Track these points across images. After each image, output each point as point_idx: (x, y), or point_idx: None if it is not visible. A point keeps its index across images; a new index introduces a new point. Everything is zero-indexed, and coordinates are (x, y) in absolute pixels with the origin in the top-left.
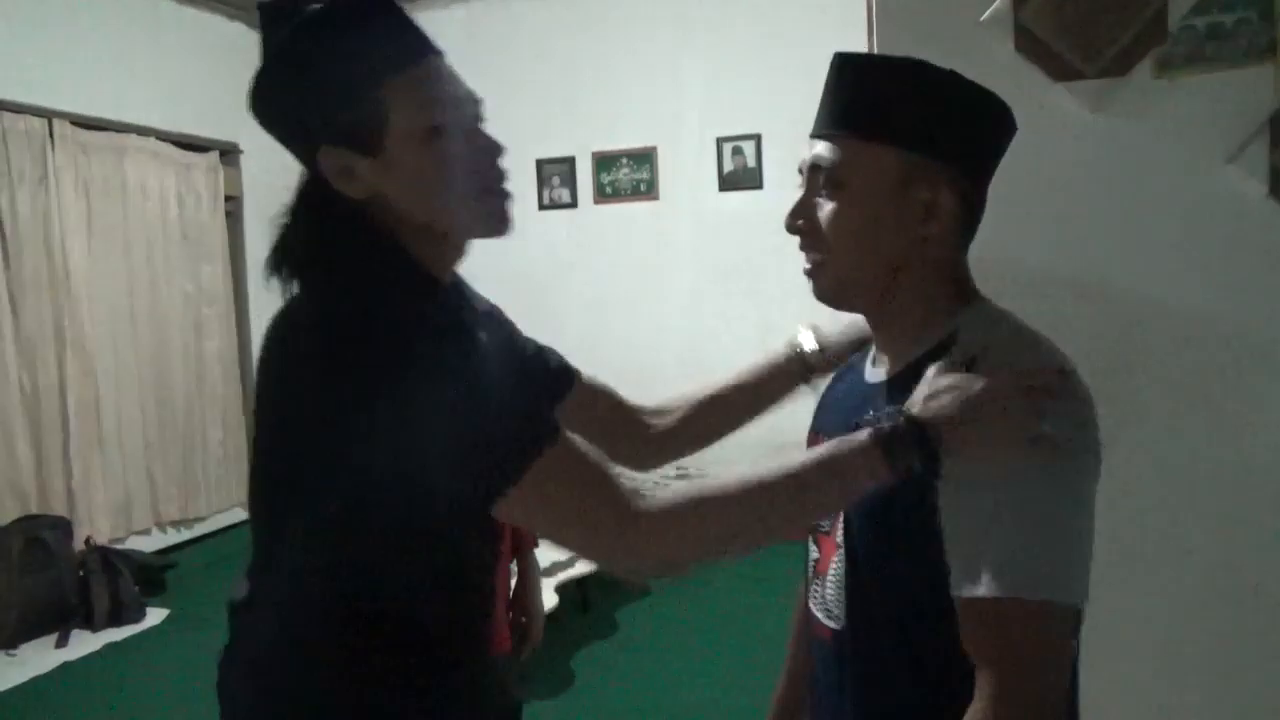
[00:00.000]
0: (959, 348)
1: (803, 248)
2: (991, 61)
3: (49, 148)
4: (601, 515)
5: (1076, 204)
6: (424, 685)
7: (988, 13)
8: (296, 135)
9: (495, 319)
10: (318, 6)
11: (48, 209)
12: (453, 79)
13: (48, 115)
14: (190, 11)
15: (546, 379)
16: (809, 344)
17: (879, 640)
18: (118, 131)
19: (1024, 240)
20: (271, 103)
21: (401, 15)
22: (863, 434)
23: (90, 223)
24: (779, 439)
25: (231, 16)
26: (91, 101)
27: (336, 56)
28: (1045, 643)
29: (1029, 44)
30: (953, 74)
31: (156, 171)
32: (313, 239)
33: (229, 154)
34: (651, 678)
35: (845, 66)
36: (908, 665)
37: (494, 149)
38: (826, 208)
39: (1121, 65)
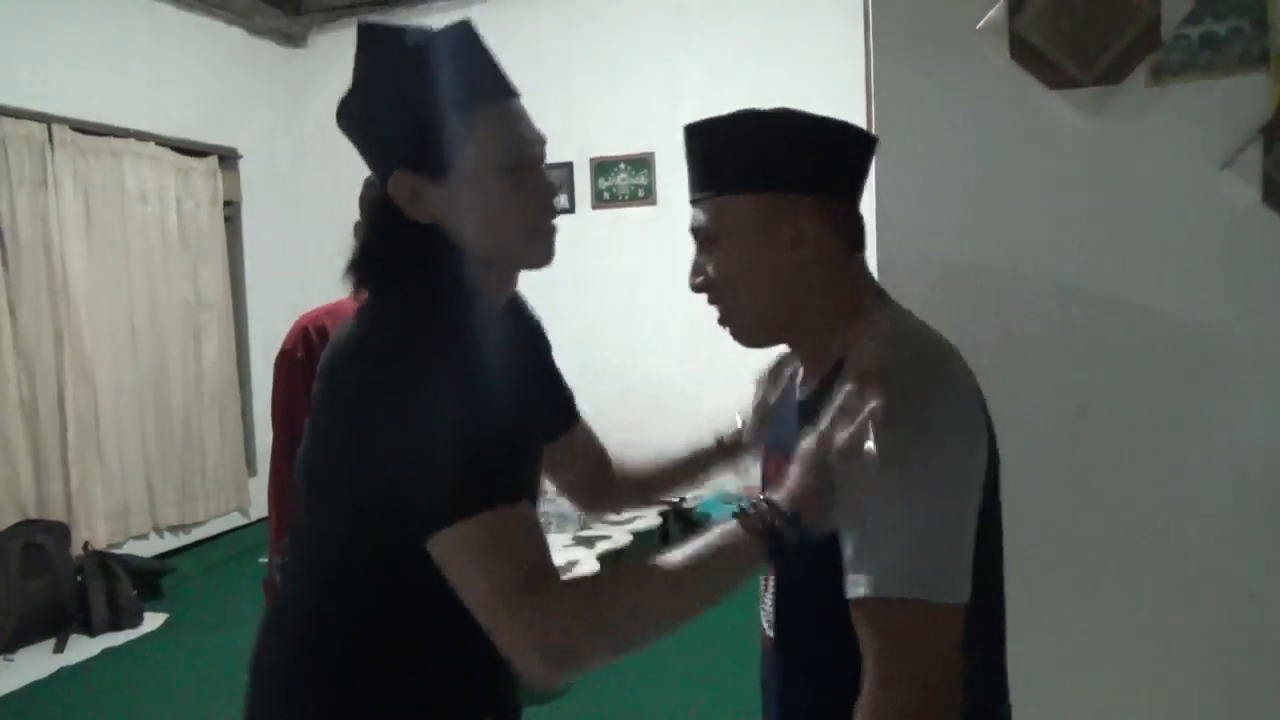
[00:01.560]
0: (847, 367)
1: (710, 303)
2: (987, 69)
3: (48, 152)
4: (510, 586)
5: (1071, 210)
6: (422, 691)
7: (984, 20)
8: (375, 153)
9: (533, 341)
10: (414, 34)
11: (47, 213)
12: (525, 119)
13: (47, 120)
14: (190, 17)
15: (545, 419)
16: (727, 432)
17: (799, 646)
18: (117, 136)
19: (1018, 246)
20: (357, 119)
21: (488, 55)
22: (733, 525)
23: (89, 227)
24: None
25: (231, 22)
26: (91, 106)
27: (423, 87)
28: (918, 638)
29: (1024, 52)
30: (785, 112)
31: (155, 176)
32: (388, 253)
33: (228, 159)
34: (648, 682)
35: (692, 135)
36: (825, 670)
37: (551, 189)
38: (710, 264)
39: (1116, 73)
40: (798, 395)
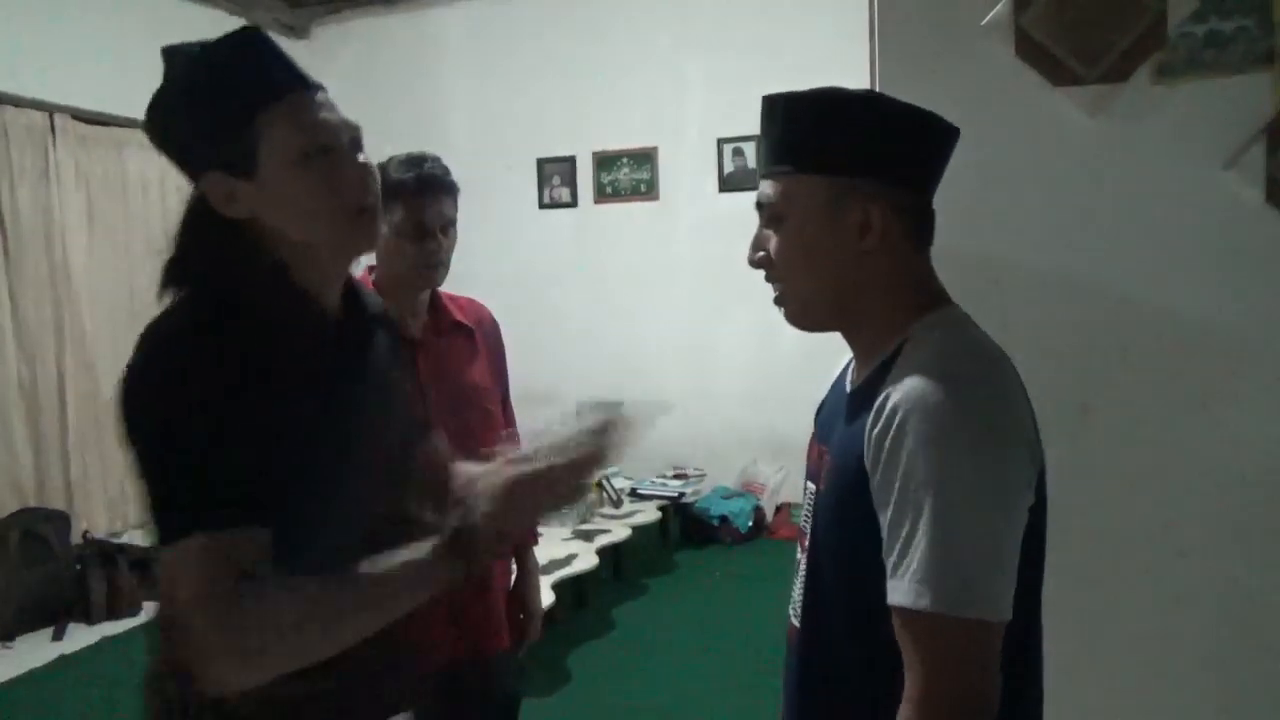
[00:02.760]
0: (895, 367)
1: (766, 279)
2: (992, 66)
3: (50, 142)
4: (211, 593)
5: (1074, 208)
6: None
7: (989, 17)
8: (184, 160)
9: (372, 354)
10: (202, 46)
11: (48, 203)
12: (324, 108)
13: (49, 110)
14: (192, 7)
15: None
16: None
17: (823, 638)
18: (119, 126)
19: (1021, 243)
20: (160, 129)
21: (275, 51)
22: (426, 547)
23: (91, 217)
24: (777, 440)
25: (233, 12)
26: (93, 96)
27: (215, 89)
28: (953, 654)
29: (1029, 49)
30: (869, 95)
31: (157, 166)
32: (195, 253)
33: None
34: (648, 675)
35: (771, 107)
36: (847, 664)
37: (360, 171)
38: (773, 240)
39: (1120, 71)
40: (848, 387)
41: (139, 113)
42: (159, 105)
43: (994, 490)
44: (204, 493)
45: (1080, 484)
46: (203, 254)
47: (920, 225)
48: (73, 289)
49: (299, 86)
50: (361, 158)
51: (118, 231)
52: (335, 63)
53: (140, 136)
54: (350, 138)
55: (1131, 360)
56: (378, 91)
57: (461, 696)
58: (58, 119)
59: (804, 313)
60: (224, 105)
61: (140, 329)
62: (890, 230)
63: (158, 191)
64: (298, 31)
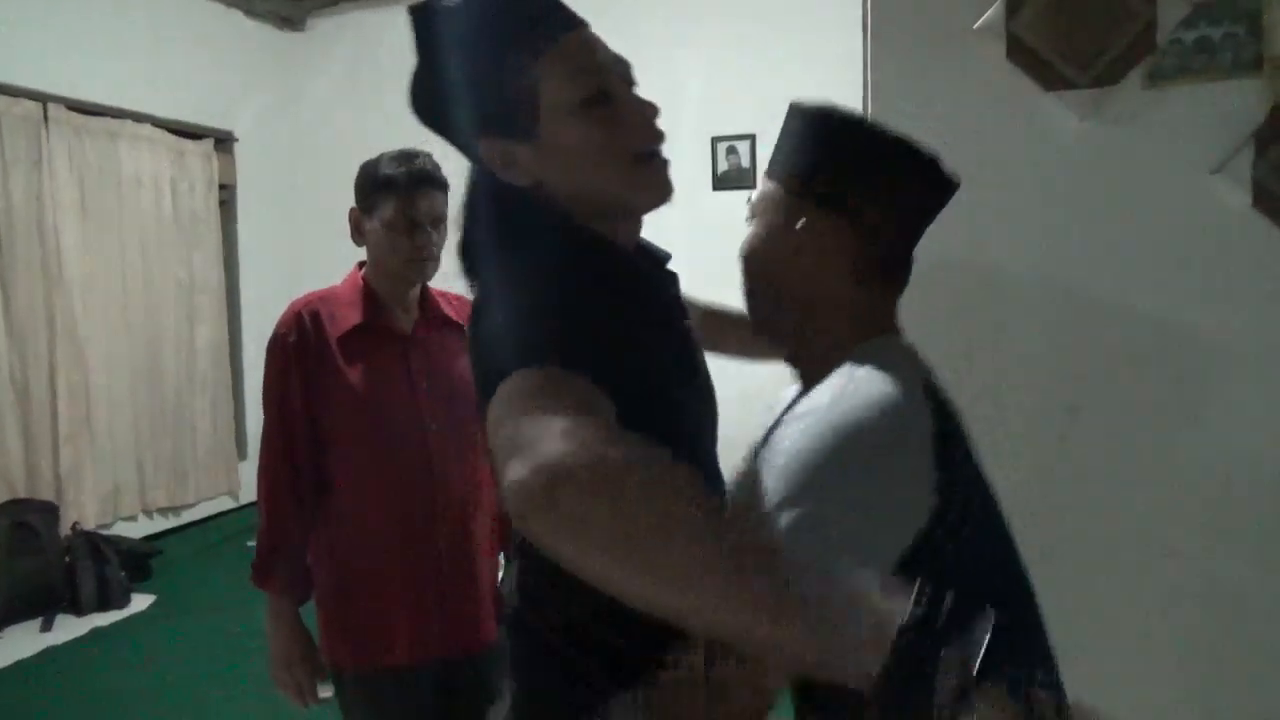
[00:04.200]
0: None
1: None
2: (984, 69)
3: (43, 131)
4: (525, 448)
5: (1065, 211)
6: None
7: (981, 21)
8: (455, 130)
9: (661, 286)
10: (456, 1)
11: (41, 193)
12: (593, 48)
13: (43, 99)
14: None
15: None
16: None
17: None
18: (113, 117)
19: (1011, 245)
20: (427, 101)
21: None
22: (904, 607)
23: (83, 208)
24: None
25: (230, 4)
26: (87, 86)
27: (478, 47)
28: None
29: (1021, 53)
30: (854, 121)
31: (151, 158)
32: (491, 233)
33: (224, 142)
34: None
35: (787, 115)
36: None
37: (644, 112)
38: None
39: (1111, 75)
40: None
41: (134, 104)
42: (423, 76)
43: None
44: (551, 334)
45: (1068, 484)
46: (506, 229)
47: (877, 262)
48: (64, 280)
49: (567, 28)
50: (638, 94)
51: (110, 222)
52: (332, 56)
53: (133, 127)
54: (624, 76)
55: (1120, 362)
56: (374, 85)
57: (452, 690)
58: (51, 108)
59: (748, 309)
60: (494, 63)
61: (132, 323)
62: (831, 259)
63: (151, 183)
64: (294, 24)
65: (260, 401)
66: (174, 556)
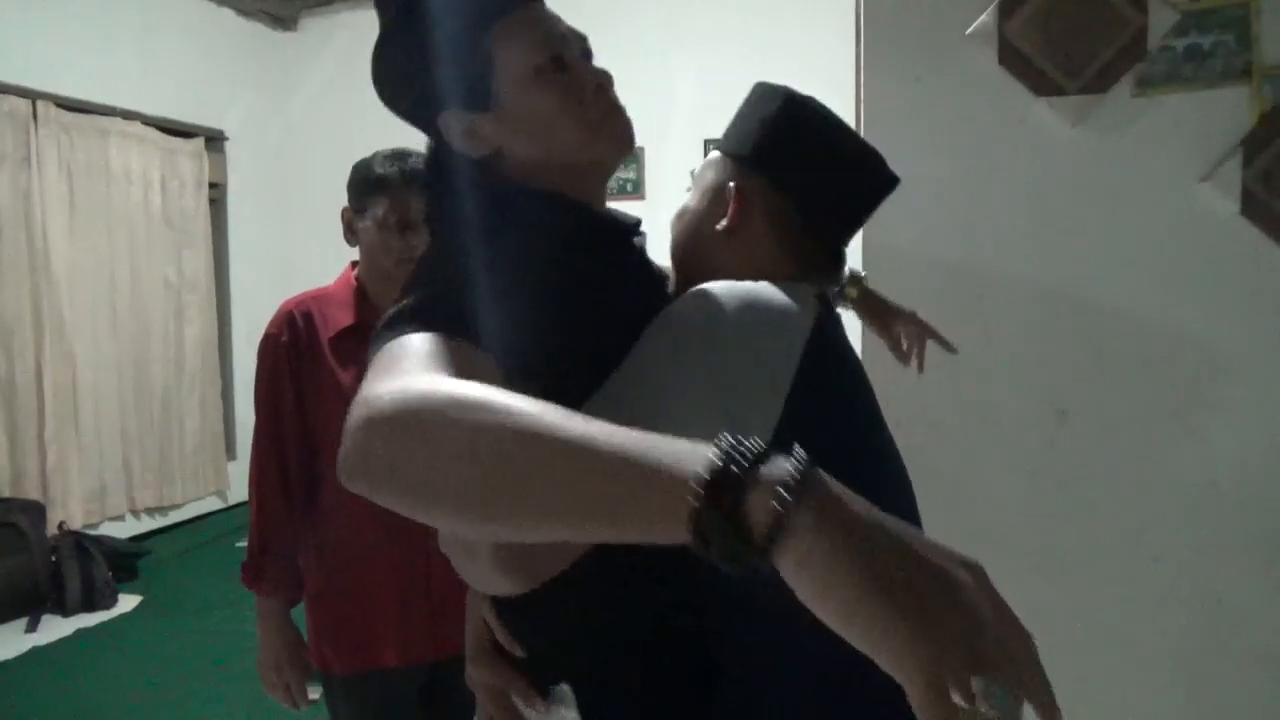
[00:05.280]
0: None
1: None
2: (975, 74)
3: (32, 128)
4: (366, 389)
5: (1054, 216)
6: None
7: (973, 26)
8: (416, 106)
9: (621, 256)
10: None
11: (29, 190)
12: (549, 20)
13: (31, 96)
14: None
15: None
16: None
17: None
18: (103, 114)
19: (1001, 250)
20: (387, 80)
21: None
22: (703, 450)
23: (72, 205)
24: None
25: (221, 3)
26: (77, 83)
27: (435, 22)
28: None
29: (1012, 59)
30: (802, 105)
31: (140, 156)
32: (458, 205)
33: (214, 140)
34: None
35: (748, 94)
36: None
37: (597, 77)
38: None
39: (1101, 82)
40: None
41: (123, 101)
42: (383, 55)
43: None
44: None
45: (1056, 487)
46: (471, 201)
47: (802, 243)
48: (52, 277)
49: (522, 1)
50: (593, 63)
51: (99, 220)
52: (323, 55)
53: (123, 125)
54: (581, 47)
55: (1108, 366)
56: (365, 85)
57: (440, 692)
58: (40, 105)
59: (672, 260)
60: (449, 36)
61: (120, 321)
62: (759, 229)
63: (141, 181)
64: (286, 23)
65: (251, 401)
66: (161, 557)
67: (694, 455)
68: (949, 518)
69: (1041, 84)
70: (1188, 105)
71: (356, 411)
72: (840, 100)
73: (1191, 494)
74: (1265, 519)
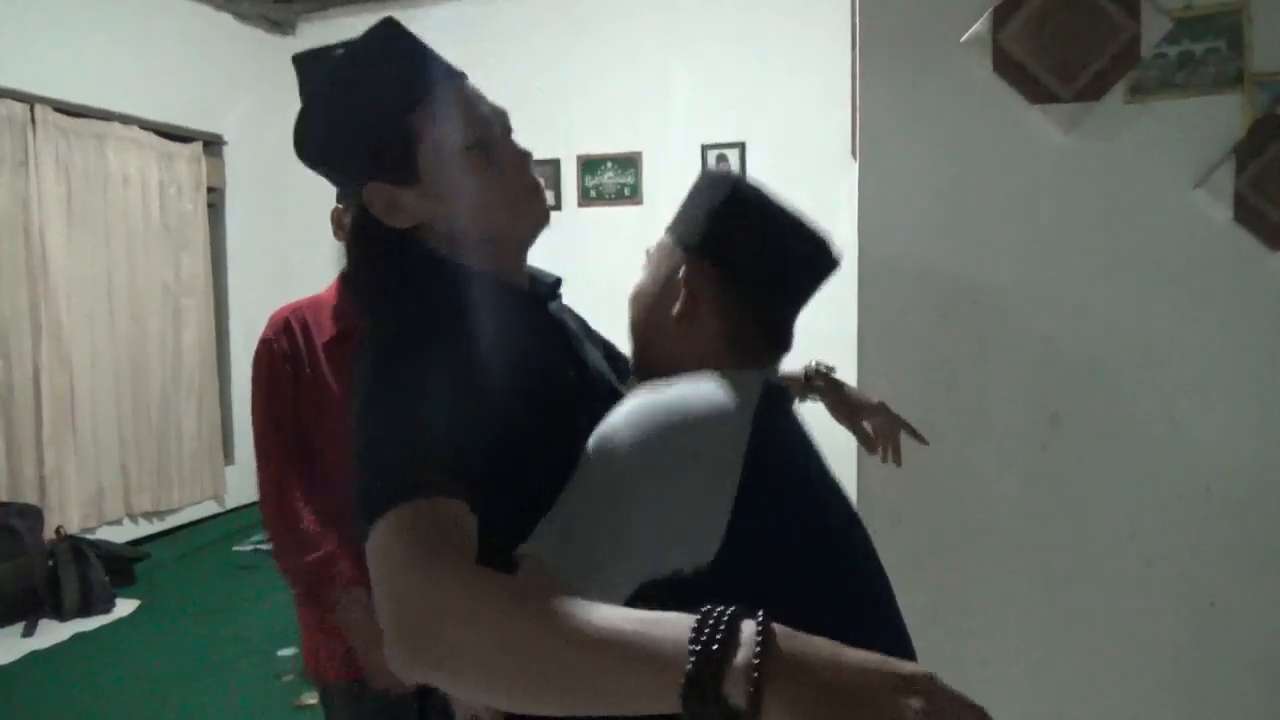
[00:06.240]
0: None
1: None
2: (970, 82)
3: (30, 132)
4: (407, 593)
5: (1047, 222)
6: None
7: (968, 34)
8: (340, 176)
9: (562, 334)
10: (342, 49)
11: (27, 195)
12: (474, 99)
13: (29, 100)
14: (178, 1)
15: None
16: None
17: None
18: (100, 119)
19: (995, 256)
20: (310, 147)
21: (419, 46)
22: (684, 635)
23: (70, 210)
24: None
25: (219, 7)
26: (75, 87)
27: (361, 96)
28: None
29: (1007, 66)
30: (758, 191)
31: (138, 160)
32: (374, 273)
33: (213, 145)
34: None
35: (695, 180)
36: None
37: (521, 155)
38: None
39: (1095, 89)
40: None
41: (121, 105)
42: (306, 122)
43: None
44: (425, 461)
45: (1049, 492)
46: (387, 266)
47: (750, 327)
48: (50, 282)
49: (446, 79)
50: (516, 141)
51: (97, 225)
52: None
53: (121, 129)
54: (502, 125)
55: (1101, 371)
56: None
57: (436, 701)
58: (38, 110)
59: (629, 340)
60: (375, 111)
61: (118, 325)
62: (707, 312)
63: (138, 185)
64: (284, 28)
65: (248, 406)
66: (159, 561)
67: (678, 651)
68: (944, 522)
69: (1036, 91)
70: (1181, 112)
71: (390, 609)
72: (836, 107)
73: (1184, 497)
74: (1258, 522)
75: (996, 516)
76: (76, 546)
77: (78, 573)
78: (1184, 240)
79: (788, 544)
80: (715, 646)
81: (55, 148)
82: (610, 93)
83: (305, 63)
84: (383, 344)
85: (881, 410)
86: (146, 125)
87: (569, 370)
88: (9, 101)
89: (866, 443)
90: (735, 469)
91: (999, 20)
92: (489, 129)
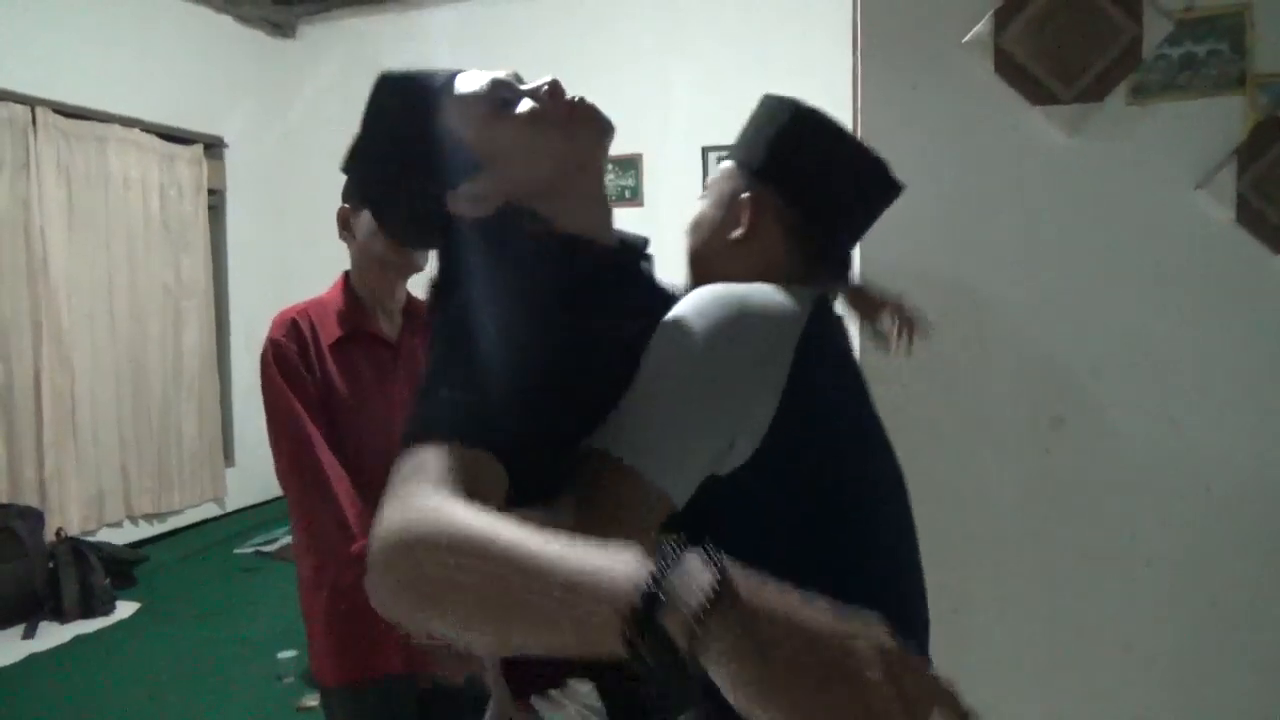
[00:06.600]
0: None
1: None
2: (971, 83)
3: (31, 135)
4: (390, 520)
5: (1049, 224)
6: None
7: (969, 35)
8: (416, 207)
9: (638, 295)
10: (368, 114)
11: (28, 197)
12: (476, 77)
13: (31, 102)
14: (178, 3)
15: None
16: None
17: None
18: (101, 121)
19: (996, 258)
20: (379, 200)
21: (414, 74)
22: (631, 561)
23: (71, 212)
24: None
25: (220, 10)
26: (76, 90)
27: (400, 129)
28: (610, 498)
29: (1008, 68)
30: (810, 115)
31: (139, 162)
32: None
33: (213, 147)
34: None
35: (757, 105)
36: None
37: (548, 85)
38: None
39: (1096, 91)
40: None
41: (122, 107)
42: (365, 173)
43: (710, 372)
44: (457, 404)
45: (1051, 494)
46: (481, 255)
47: (809, 248)
48: (51, 284)
49: (447, 79)
50: (535, 83)
51: (98, 227)
52: (322, 63)
53: (122, 131)
54: (515, 79)
55: (1103, 374)
56: (364, 92)
57: (440, 698)
58: (39, 112)
59: (688, 269)
60: (416, 134)
61: (118, 327)
62: (768, 234)
63: (139, 188)
64: (285, 30)
65: (248, 408)
66: (159, 563)
67: (624, 586)
68: (945, 525)
69: (1037, 93)
70: (1182, 114)
71: (373, 532)
72: (837, 108)
73: (1185, 498)
74: (1258, 523)
75: (998, 520)
76: (77, 548)
77: (78, 575)
78: (1185, 242)
79: (826, 456)
80: (666, 583)
81: (56, 150)
82: (610, 95)
83: (386, 85)
84: (463, 300)
85: (898, 305)
86: (147, 127)
87: (647, 327)
88: (10, 104)
89: (883, 339)
90: (785, 364)
91: (1000, 22)
92: (504, 87)
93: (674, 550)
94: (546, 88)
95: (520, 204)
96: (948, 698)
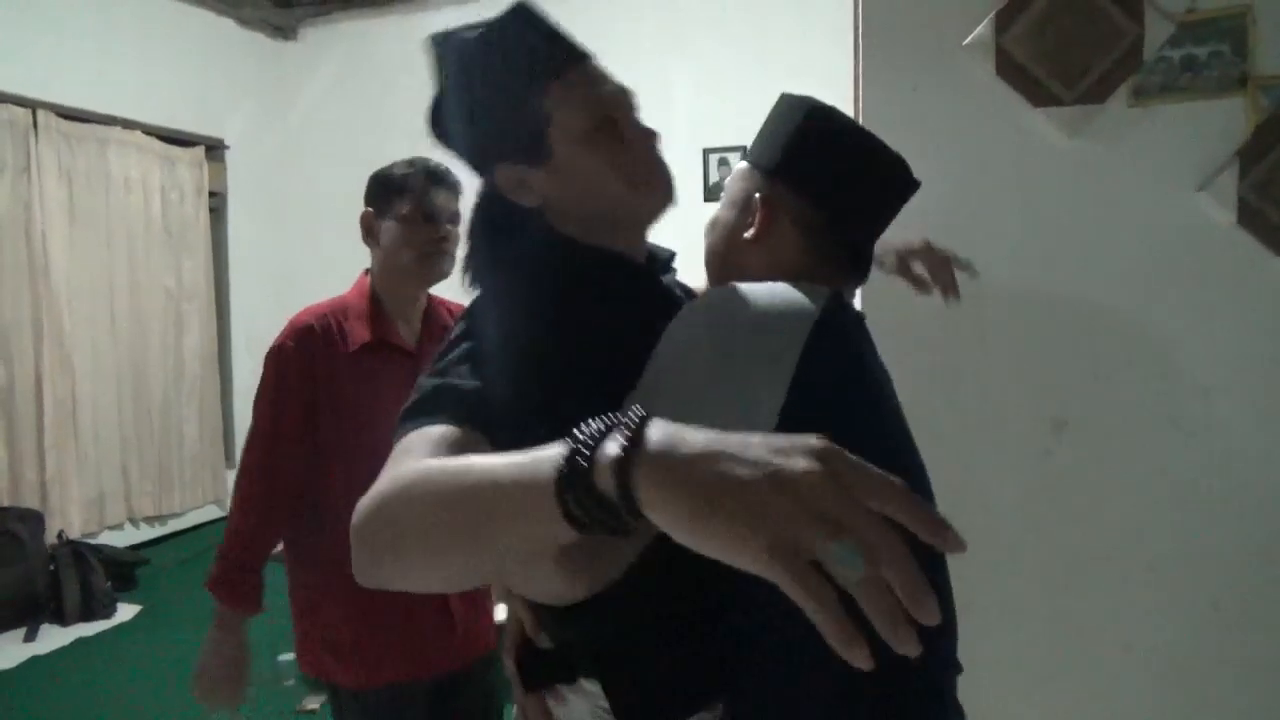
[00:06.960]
0: None
1: None
2: (973, 84)
3: (32, 137)
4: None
5: (1050, 226)
6: None
7: (971, 37)
8: (473, 157)
9: (658, 306)
10: (474, 32)
11: (29, 199)
12: (602, 78)
13: (32, 105)
14: (179, 5)
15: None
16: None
17: None
18: (102, 124)
19: (998, 260)
20: (447, 129)
21: (549, 26)
22: (557, 445)
23: (72, 214)
24: None
25: (221, 12)
26: (77, 93)
27: (494, 81)
28: None
29: (1010, 69)
30: (827, 113)
31: (140, 165)
32: (494, 249)
33: (215, 149)
34: None
35: (774, 105)
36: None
37: (648, 134)
38: None
39: (1098, 93)
40: None
41: (123, 110)
42: (442, 103)
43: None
44: (454, 393)
45: (1053, 496)
46: (507, 247)
47: (827, 247)
48: (52, 286)
49: (575, 59)
50: (642, 120)
51: (99, 229)
52: (324, 64)
53: (123, 134)
54: (629, 104)
55: (1105, 376)
56: (365, 94)
57: (452, 697)
58: (40, 115)
59: (705, 269)
60: (508, 95)
61: (119, 330)
62: (774, 234)
63: (140, 191)
64: (286, 32)
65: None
66: (160, 566)
67: (547, 463)
68: None
69: (1038, 94)
70: (1184, 115)
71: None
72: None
73: (1187, 501)
74: (1261, 525)
75: (999, 521)
76: (78, 551)
77: (79, 577)
78: (1187, 244)
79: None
80: (584, 446)
81: (57, 152)
82: None
83: (440, 44)
84: (488, 305)
85: (927, 248)
86: (148, 130)
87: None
88: (11, 106)
89: (920, 285)
90: (791, 360)
91: (1001, 23)
92: (616, 108)
93: (590, 422)
94: (642, 139)
95: (556, 214)
96: (902, 498)
